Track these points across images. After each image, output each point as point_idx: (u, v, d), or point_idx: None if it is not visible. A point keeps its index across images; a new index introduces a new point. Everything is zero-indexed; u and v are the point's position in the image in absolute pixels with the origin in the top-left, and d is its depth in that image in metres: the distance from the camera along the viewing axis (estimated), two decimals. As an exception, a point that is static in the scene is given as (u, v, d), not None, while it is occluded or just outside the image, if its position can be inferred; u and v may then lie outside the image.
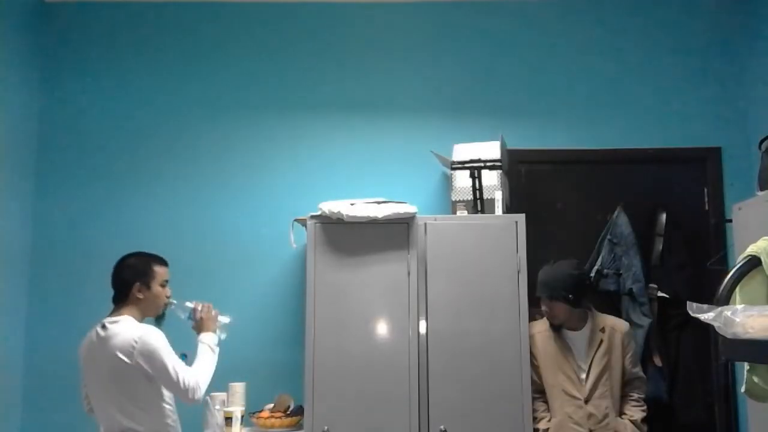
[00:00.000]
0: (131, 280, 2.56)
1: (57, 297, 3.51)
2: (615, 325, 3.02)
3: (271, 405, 3.16)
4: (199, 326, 2.66)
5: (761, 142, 2.86)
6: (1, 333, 3.32)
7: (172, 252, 3.34)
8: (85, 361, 2.55)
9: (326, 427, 2.88)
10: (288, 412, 3.12)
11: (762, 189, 2.74)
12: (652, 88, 3.66)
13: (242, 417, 2.96)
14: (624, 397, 2.98)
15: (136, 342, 2.42)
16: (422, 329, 2.98)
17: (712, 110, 3.63)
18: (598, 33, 3.72)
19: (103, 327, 2.50)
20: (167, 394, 2.52)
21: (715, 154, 3.59)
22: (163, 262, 2.66)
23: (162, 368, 2.42)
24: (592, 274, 3.41)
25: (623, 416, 2.93)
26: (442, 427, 2.88)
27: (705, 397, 3.37)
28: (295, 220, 3.19)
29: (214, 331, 2.66)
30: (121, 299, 2.57)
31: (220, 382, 3.09)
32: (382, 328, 2.98)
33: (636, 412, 2.94)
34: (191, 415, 3.08)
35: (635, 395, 2.98)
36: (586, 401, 2.90)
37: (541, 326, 3.05)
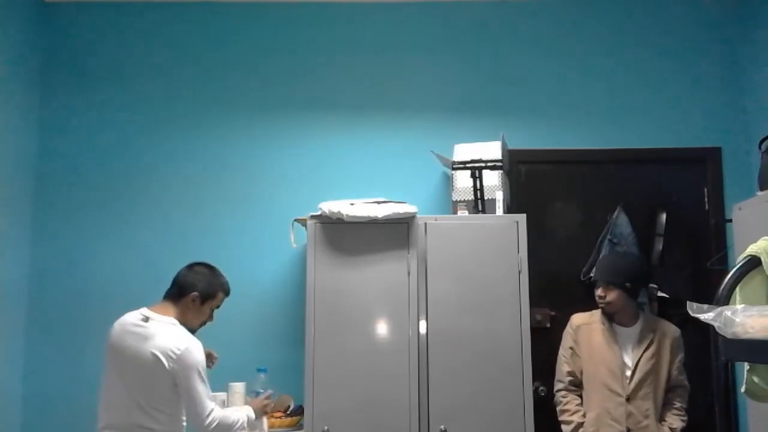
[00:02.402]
0: (193, 288, 2.55)
1: (56, 314, 3.50)
2: (667, 329, 2.95)
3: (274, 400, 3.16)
4: (256, 405, 2.70)
5: (761, 142, 2.86)
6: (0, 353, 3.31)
7: (172, 252, 3.36)
8: (113, 347, 2.48)
9: (326, 427, 2.88)
10: (288, 412, 3.12)
11: (762, 189, 2.74)
12: (653, 88, 3.66)
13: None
14: (666, 405, 2.90)
15: (179, 350, 2.39)
16: (422, 329, 2.98)
17: (712, 110, 3.63)
18: (599, 33, 3.72)
19: (146, 319, 2.46)
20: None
21: (715, 154, 3.59)
22: (227, 292, 2.67)
23: (191, 386, 2.40)
24: (592, 274, 3.41)
25: (663, 423, 2.86)
26: (442, 427, 2.87)
27: (705, 397, 3.36)
28: (295, 220, 3.19)
29: (258, 417, 2.70)
30: (174, 299, 2.54)
31: (220, 382, 3.11)
32: (382, 328, 2.98)
33: (676, 420, 2.86)
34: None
35: (678, 403, 2.90)
36: (628, 399, 2.83)
37: (587, 318, 3.02)
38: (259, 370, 3.01)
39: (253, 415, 2.64)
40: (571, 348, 2.98)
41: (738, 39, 3.65)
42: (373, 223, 2.99)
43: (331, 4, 3.74)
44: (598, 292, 2.95)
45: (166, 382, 2.40)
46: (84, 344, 3.32)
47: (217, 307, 2.65)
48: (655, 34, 3.70)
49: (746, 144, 3.48)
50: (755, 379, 1.70)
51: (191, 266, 2.63)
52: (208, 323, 2.66)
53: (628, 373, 2.86)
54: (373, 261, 3.02)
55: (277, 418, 3.06)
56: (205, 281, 2.58)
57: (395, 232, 3.03)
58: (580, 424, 2.87)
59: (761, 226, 2.48)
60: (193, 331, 2.56)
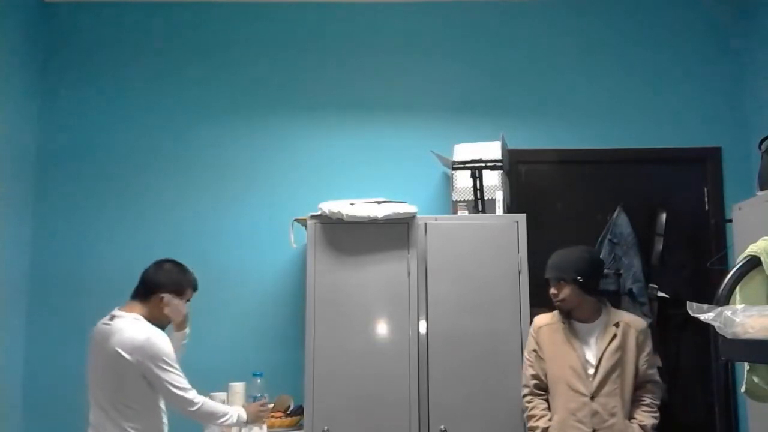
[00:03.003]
0: (161, 288, 2.55)
1: (56, 310, 3.51)
2: (631, 321, 2.78)
3: (271, 405, 3.16)
4: (251, 409, 2.69)
5: (761, 142, 2.85)
6: (1, 349, 3.31)
7: (172, 252, 3.33)
8: (91, 349, 2.52)
9: (326, 427, 2.88)
10: (288, 412, 3.12)
11: (762, 189, 2.73)
12: (653, 88, 3.66)
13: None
14: (636, 401, 2.72)
15: (139, 341, 2.40)
16: (422, 329, 2.98)
17: (712, 110, 3.63)
18: (599, 33, 3.72)
19: (112, 318, 2.49)
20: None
21: (715, 154, 3.59)
22: (196, 287, 2.67)
23: (158, 376, 2.41)
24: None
25: (632, 420, 2.68)
26: (442, 427, 2.88)
27: (705, 397, 3.36)
28: (295, 220, 3.19)
29: (251, 422, 2.69)
30: (140, 297, 2.55)
31: (220, 382, 3.11)
32: (382, 328, 2.99)
33: (647, 417, 2.68)
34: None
35: (648, 399, 2.72)
36: (592, 397, 2.66)
37: (549, 318, 2.85)
38: (255, 375, 2.98)
39: (244, 416, 2.62)
40: (534, 351, 2.81)
41: (738, 39, 3.65)
42: (373, 223, 2.99)
43: (331, 4, 3.74)
44: (551, 290, 2.79)
45: (134, 376, 2.41)
46: (84, 331, 3.29)
47: (187, 301, 2.66)
48: (655, 35, 3.70)
49: (746, 144, 3.48)
50: (755, 379, 1.70)
51: (159, 264, 2.62)
52: (186, 317, 2.68)
53: (591, 370, 2.70)
54: (373, 261, 3.02)
55: (277, 418, 3.06)
56: (173, 279, 2.58)
57: (395, 232, 3.04)
58: (545, 430, 2.70)
59: (761, 226, 2.47)
60: (163, 327, 2.57)
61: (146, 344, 2.40)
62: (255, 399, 2.90)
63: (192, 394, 2.46)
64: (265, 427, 2.90)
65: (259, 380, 2.97)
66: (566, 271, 2.74)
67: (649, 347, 2.77)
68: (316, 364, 2.95)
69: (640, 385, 2.75)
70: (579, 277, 2.72)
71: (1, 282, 3.32)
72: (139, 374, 2.41)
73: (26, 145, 3.57)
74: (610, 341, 2.71)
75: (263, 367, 3.09)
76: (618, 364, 2.69)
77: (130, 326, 2.45)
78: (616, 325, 2.74)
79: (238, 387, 3.09)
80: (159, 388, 2.44)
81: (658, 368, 3.26)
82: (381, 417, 2.91)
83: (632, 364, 2.72)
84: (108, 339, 2.43)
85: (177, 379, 2.44)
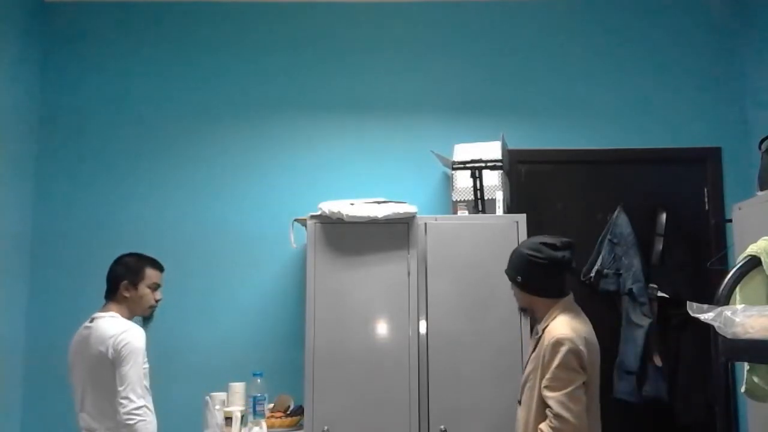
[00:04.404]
0: (120, 278, 2.62)
1: (58, 287, 3.52)
2: (550, 330, 2.39)
3: (271, 405, 3.16)
4: None
5: (761, 142, 2.85)
6: (1, 321, 3.32)
7: (172, 252, 3.36)
8: (72, 357, 2.60)
9: (326, 427, 2.88)
10: (288, 412, 3.12)
11: (762, 189, 2.73)
12: (653, 88, 3.66)
13: (242, 417, 2.96)
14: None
15: (114, 335, 2.47)
16: (422, 329, 2.98)
17: (712, 110, 3.63)
18: (599, 33, 3.72)
19: (91, 320, 2.57)
20: (149, 393, 2.56)
21: (715, 154, 3.59)
22: (157, 266, 2.72)
23: (122, 369, 2.42)
24: (592, 274, 3.41)
25: None
26: (442, 427, 2.88)
27: (705, 397, 3.36)
28: (295, 220, 3.19)
29: None
30: (110, 296, 2.63)
31: (220, 382, 3.11)
32: (382, 328, 2.99)
33: None
34: (191, 415, 3.09)
35: (542, 427, 2.30)
36: (519, 402, 2.49)
37: None
38: (255, 374, 3.00)
39: None
40: None
41: (738, 39, 3.66)
42: (373, 223, 2.99)
43: (331, 4, 3.74)
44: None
45: (112, 372, 2.45)
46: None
47: (158, 285, 2.69)
48: (655, 35, 3.70)
49: (746, 144, 3.48)
50: (755, 379, 1.70)
51: (116, 259, 2.69)
52: (159, 302, 2.70)
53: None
54: (373, 261, 3.02)
55: (277, 418, 3.06)
56: (127, 265, 2.65)
57: (395, 232, 3.04)
58: None
59: (761, 226, 2.47)
60: (147, 319, 2.66)
61: (119, 337, 2.46)
62: (255, 398, 2.90)
63: (136, 402, 2.40)
64: (265, 427, 2.90)
65: (259, 380, 2.97)
66: (508, 269, 2.56)
67: (553, 365, 2.30)
68: (316, 364, 2.95)
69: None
70: (519, 278, 2.50)
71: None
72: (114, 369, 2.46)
73: (26, 144, 3.57)
74: (534, 347, 2.48)
75: (263, 367, 3.09)
76: (531, 374, 2.43)
77: (107, 323, 2.53)
78: (544, 330, 2.44)
79: (238, 387, 3.08)
80: (117, 381, 2.43)
81: (658, 368, 3.27)
82: (381, 417, 2.91)
83: (539, 376, 2.37)
84: (89, 341, 2.51)
85: (133, 377, 2.42)
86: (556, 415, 2.25)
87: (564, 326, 2.38)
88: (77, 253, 3.53)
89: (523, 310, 2.74)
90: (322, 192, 3.35)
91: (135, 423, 2.39)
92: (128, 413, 2.39)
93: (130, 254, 2.71)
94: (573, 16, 3.74)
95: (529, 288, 2.50)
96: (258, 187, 3.62)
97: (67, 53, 3.72)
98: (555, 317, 2.43)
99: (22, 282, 3.50)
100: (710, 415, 3.33)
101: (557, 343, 2.32)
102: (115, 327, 2.51)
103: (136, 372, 2.44)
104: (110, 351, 2.45)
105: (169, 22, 3.75)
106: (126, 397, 2.40)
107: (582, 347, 2.33)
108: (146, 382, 2.55)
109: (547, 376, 2.31)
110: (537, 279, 2.47)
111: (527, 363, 2.52)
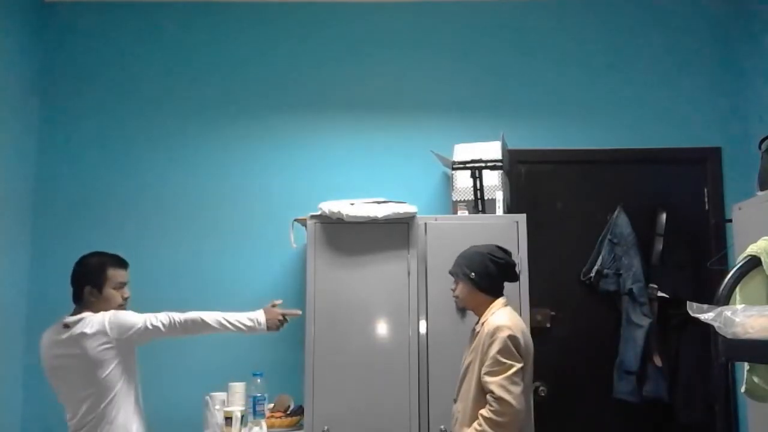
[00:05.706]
0: (83, 283, 2.57)
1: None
2: (490, 321, 2.49)
3: (271, 405, 3.16)
4: (270, 315, 2.80)
5: (761, 142, 2.85)
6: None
7: (172, 252, 3.36)
8: (50, 361, 2.54)
9: (326, 427, 2.88)
10: (288, 412, 3.12)
11: (762, 189, 2.73)
12: (653, 88, 3.66)
13: (242, 417, 2.96)
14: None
15: (107, 319, 2.48)
16: (422, 329, 2.98)
17: (712, 110, 3.63)
18: (599, 33, 3.73)
19: (66, 326, 2.49)
20: (138, 391, 2.58)
21: (715, 154, 3.59)
22: (120, 264, 2.65)
23: (133, 325, 2.51)
24: (592, 274, 3.41)
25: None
26: (442, 427, 2.87)
27: (705, 397, 3.36)
28: (295, 220, 3.19)
29: (272, 328, 2.79)
30: (76, 299, 2.59)
31: (220, 382, 3.11)
32: (382, 328, 2.99)
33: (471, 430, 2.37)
34: (191, 415, 3.09)
35: (481, 414, 2.35)
36: (455, 400, 2.57)
37: None
38: (255, 375, 2.99)
39: (263, 320, 2.73)
40: None
41: (738, 39, 3.65)
42: (373, 223, 2.99)
43: (330, 4, 3.74)
44: (451, 286, 2.70)
45: (110, 361, 2.47)
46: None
47: (123, 284, 2.65)
48: (655, 35, 3.70)
49: (746, 144, 3.48)
50: (755, 379, 1.70)
51: (78, 261, 2.64)
52: (128, 300, 2.69)
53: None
54: (373, 261, 3.02)
55: (277, 418, 3.06)
56: (88, 269, 2.60)
57: (395, 232, 3.04)
58: None
59: (761, 226, 2.47)
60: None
61: (112, 317, 2.50)
62: (255, 398, 2.89)
63: (166, 315, 2.59)
64: (265, 427, 2.90)
65: (259, 380, 2.97)
66: (460, 266, 2.62)
67: (493, 351, 2.39)
68: (316, 364, 2.95)
69: (485, 391, 2.40)
70: (473, 275, 2.57)
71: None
72: (112, 356, 2.47)
73: (26, 144, 3.58)
74: (471, 341, 2.58)
75: (263, 367, 3.09)
76: (470, 366, 2.50)
77: (90, 322, 2.49)
78: (482, 324, 2.54)
79: (238, 387, 3.08)
80: (144, 335, 2.53)
81: (659, 368, 3.27)
82: (381, 417, 2.91)
83: (477, 366, 2.44)
84: (77, 344, 2.45)
85: (150, 318, 2.55)
86: (498, 398, 2.33)
87: (503, 317, 2.51)
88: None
89: (461, 307, 2.81)
90: (322, 192, 3.34)
91: (176, 320, 2.61)
92: (167, 322, 2.58)
93: (92, 254, 2.64)
94: (573, 16, 3.74)
95: (480, 284, 2.58)
96: (258, 187, 3.62)
97: (66, 53, 3.72)
98: (494, 312, 2.55)
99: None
100: (710, 415, 3.32)
101: (497, 330, 2.43)
102: (100, 318, 2.49)
103: (144, 315, 2.55)
104: (109, 337, 2.46)
105: (168, 23, 3.75)
106: (150, 319, 2.55)
107: (519, 336, 2.45)
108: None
109: (487, 362, 2.40)
110: (490, 277, 2.58)
111: (464, 359, 2.59)
